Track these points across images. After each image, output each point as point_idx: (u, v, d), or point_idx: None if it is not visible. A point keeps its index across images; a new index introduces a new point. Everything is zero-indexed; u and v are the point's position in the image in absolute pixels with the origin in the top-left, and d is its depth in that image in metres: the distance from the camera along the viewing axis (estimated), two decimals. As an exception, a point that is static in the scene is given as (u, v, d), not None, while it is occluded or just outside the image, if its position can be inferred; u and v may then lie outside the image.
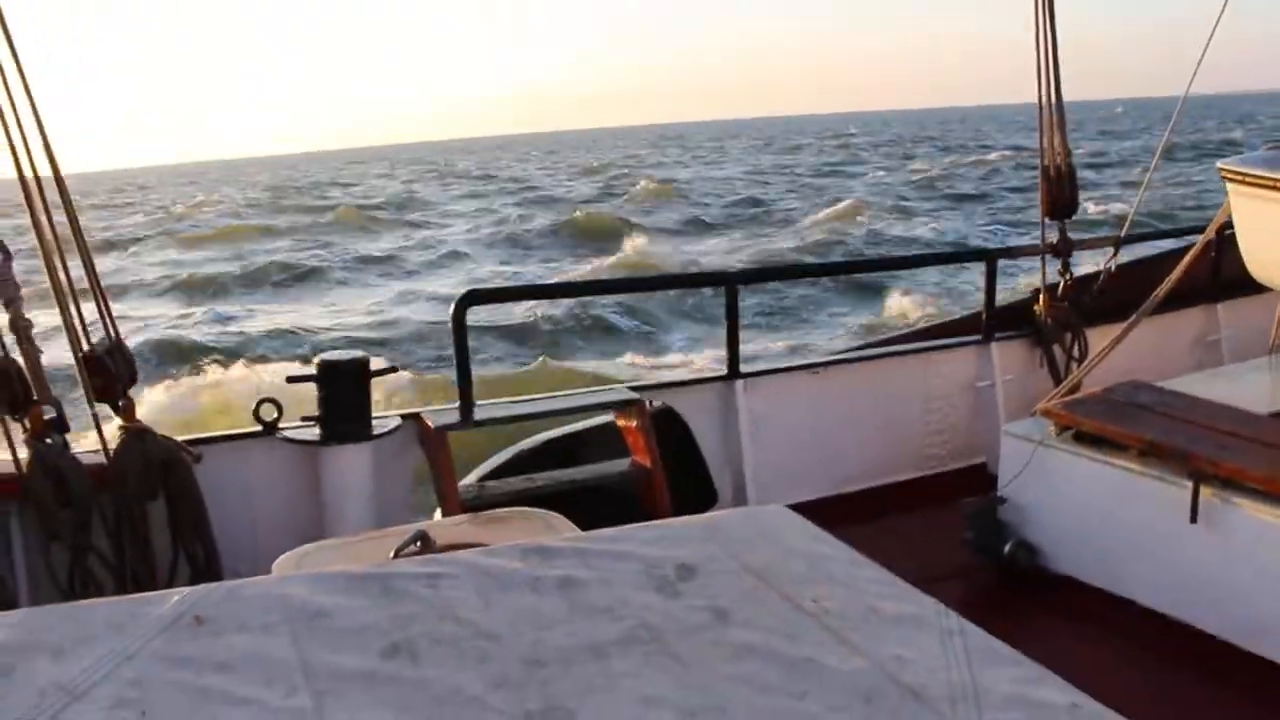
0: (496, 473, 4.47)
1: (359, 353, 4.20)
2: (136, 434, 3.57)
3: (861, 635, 1.87)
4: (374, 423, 4.10)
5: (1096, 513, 4.04)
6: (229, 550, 3.75)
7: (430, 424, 4.14)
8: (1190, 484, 3.66)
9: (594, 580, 2.03)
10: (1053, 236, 5.33)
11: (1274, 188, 4.12)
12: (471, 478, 4.42)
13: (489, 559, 2.13)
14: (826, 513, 4.78)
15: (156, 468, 3.57)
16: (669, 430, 4.60)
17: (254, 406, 4.06)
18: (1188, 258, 4.72)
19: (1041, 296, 5.38)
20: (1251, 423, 4.03)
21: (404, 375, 13.03)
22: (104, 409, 3.54)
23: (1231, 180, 4.33)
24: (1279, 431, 3.94)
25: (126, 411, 3.59)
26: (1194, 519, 3.66)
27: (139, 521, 3.51)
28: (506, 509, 3.24)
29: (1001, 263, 5.47)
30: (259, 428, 4.04)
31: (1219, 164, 4.48)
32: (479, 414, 4.28)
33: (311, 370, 4.07)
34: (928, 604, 2.01)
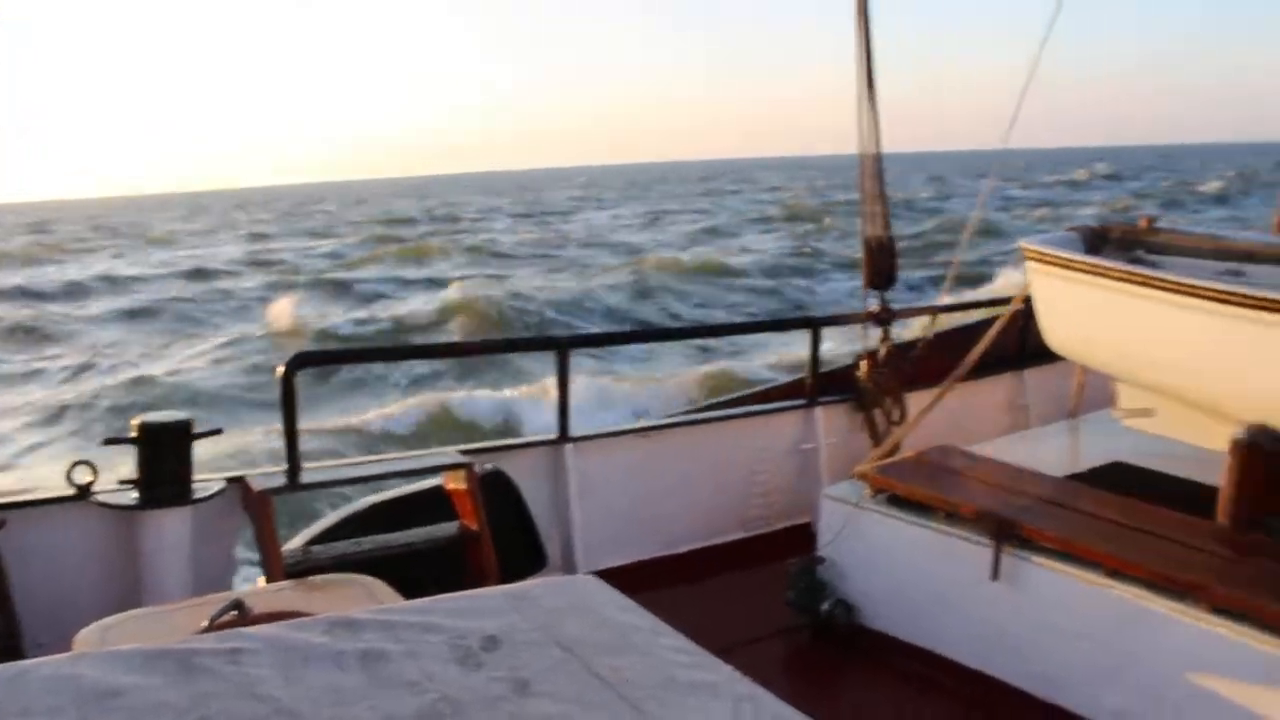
0: (323, 537, 4.41)
1: (182, 414, 4.11)
2: None
3: (657, 704, 1.93)
4: (195, 486, 4.02)
5: (908, 571, 4.24)
6: (33, 622, 3.60)
7: (254, 487, 4.07)
8: (992, 544, 3.89)
9: (398, 653, 2.04)
10: (874, 305, 5.58)
11: (1065, 266, 4.44)
12: (297, 542, 4.36)
13: (293, 633, 2.12)
14: (655, 573, 4.91)
15: None
16: (499, 493, 4.62)
17: (67, 469, 3.92)
18: (995, 327, 5.01)
19: (863, 362, 5.62)
20: (1049, 486, 4.30)
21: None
22: None
23: (1031, 259, 4.64)
24: (1074, 494, 4.22)
25: None
26: (995, 577, 3.88)
27: None
28: (328, 575, 3.21)
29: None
30: (72, 491, 3.91)
31: (1020, 243, 4.79)
32: (306, 477, 4.22)
33: (131, 432, 3.97)
34: (724, 671, 2.09)
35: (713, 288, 30.77)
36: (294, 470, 4.21)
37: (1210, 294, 3.90)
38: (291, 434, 4.22)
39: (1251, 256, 4.39)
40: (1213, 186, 61.57)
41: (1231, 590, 3.38)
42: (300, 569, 3.90)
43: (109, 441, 4.06)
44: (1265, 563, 3.58)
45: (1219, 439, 3.96)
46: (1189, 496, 4.10)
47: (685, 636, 2.24)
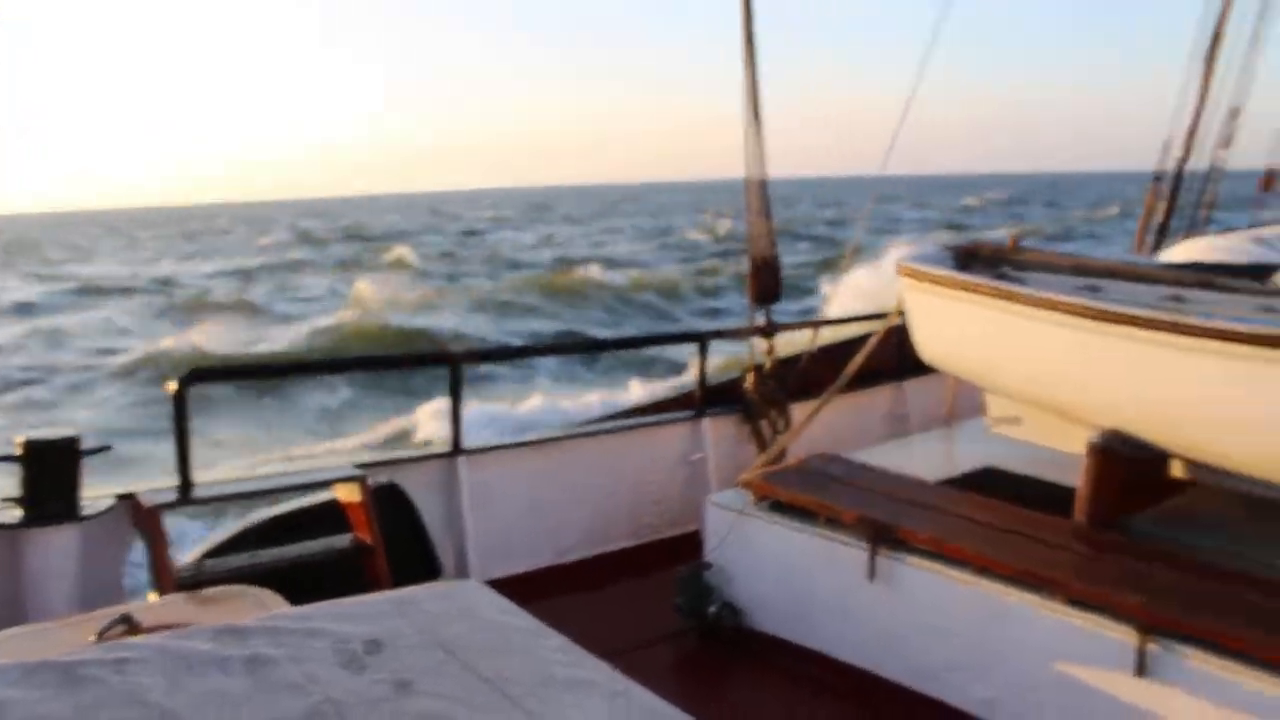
0: (218, 551, 4.42)
1: (69, 430, 4.09)
2: None
3: (536, 700, 2.03)
4: (84, 503, 3.99)
5: (791, 575, 4.40)
6: None
7: (144, 503, 4.06)
8: (869, 547, 4.07)
9: (283, 658, 2.10)
10: (760, 320, 5.75)
11: (935, 283, 4.66)
12: (191, 557, 4.35)
13: (179, 641, 2.16)
14: (548, 582, 5.01)
15: None
16: (393, 505, 4.68)
17: None
18: (872, 341, 5.22)
19: (749, 375, 5.79)
20: (923, 491, 4.51)
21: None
22: None
23: (904, 276, 4.85)
24: (945, 498, 4.44)
25: None
26: (872, 578, 4.07)
27: None
28: (219, 588, 3.23)
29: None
30: None
31: (896, 261, 4.99)
32: (198, 492, 4.22)
33: (15, 450, 3.94)
34: (602, 670, 2.20)
35: (617, 304, 31.08)
36: (186, 485, 4.20)
37: (1067, 308, 4.13)
38: (184, 449, 4.21)
39: (1109, 274, 4.65)
40: (1111, 212, 64.20)
41: (1087, 584, 3.61)
42: (193, 584, 3.89)
43: None
44: (1119, 558, 3.82)
45: (1081, 444, 4.20)
46: (1054, 498, 4.33)
47: (567, 638, 2.34)
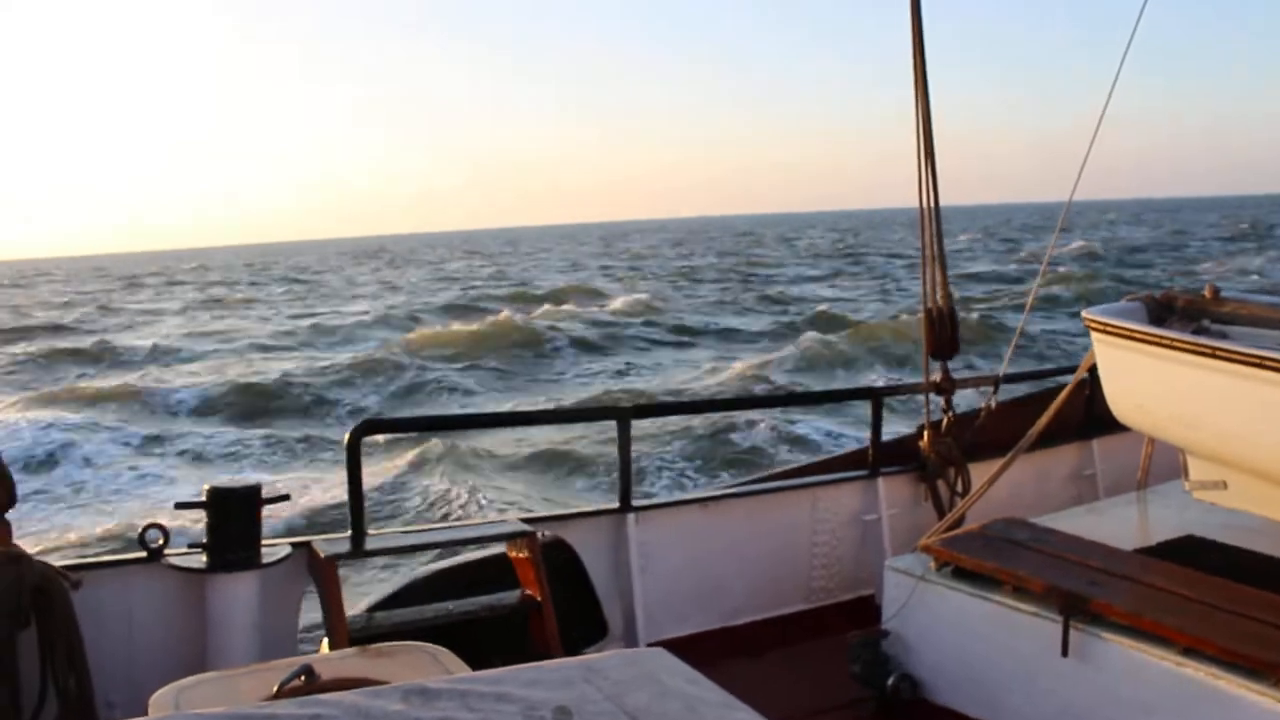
0: (387, 603, 4.44)
1: (252, 480, 4.21)
2: (11, 559, 3.50)
3: None
4: (263, 551, 4.08)
5: (975, 646, 4.17)
6: (104, 681, 3.67)
7: (320, 553, 4.12)
8: (1061, 619, 3.82)
9: None
10: (936, 375, 5.53)
11: (1129, 337, 4.39)
12: (361, 608, 4.39)
13: (370, 700, 2.15)
14: (715, 645, 4.87)
15: (29, 593, 3.50)
16: (560, 562, 4.63)
17: (139, 531, 4.01)
18: (1060, 397, 4.96)
19: (925, 432, 5.56)
20: (1118, 560, 4.22)
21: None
22: None
23: (1094, 329, 4.59)
24: (1143, 568, 4.14)
25: (1, 535, 3.53)
26: (1065, 653, 3.81)
27: (5, 650, 3.41)
28: (394, 642, 3.23)
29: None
30: (143, 553, 3.99)
31: (1083, 313, 4.73)
32: (371, 543, 4.27)
33: (201, 497, 4.06)
34: None
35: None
36: (359, 536, 4.25)
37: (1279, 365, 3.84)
38: (357, 500, 4.27)
39: None
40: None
41: None
42: (365, 636, 3.93)
43: (180, 505, 4.15)
44: None
45: None
46: (1265, 572, 4.01)
47: (754, 710, 2.24)
